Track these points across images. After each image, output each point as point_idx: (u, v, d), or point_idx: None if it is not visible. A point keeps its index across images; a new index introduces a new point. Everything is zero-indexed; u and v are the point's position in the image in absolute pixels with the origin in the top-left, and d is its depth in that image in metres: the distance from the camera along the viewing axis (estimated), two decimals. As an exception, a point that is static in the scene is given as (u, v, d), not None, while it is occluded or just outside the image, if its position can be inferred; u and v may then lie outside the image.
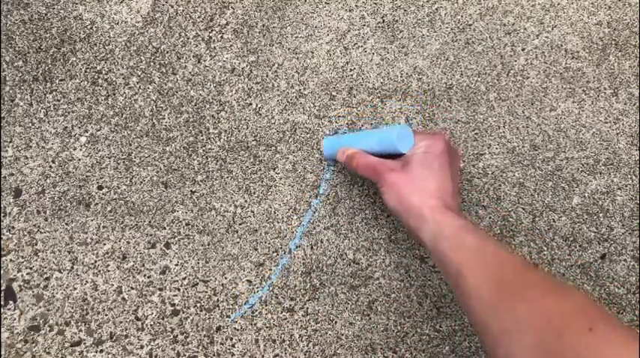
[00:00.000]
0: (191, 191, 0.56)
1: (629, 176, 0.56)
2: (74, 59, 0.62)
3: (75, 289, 0.51)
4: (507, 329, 0.34)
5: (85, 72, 0.61)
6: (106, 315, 0.50)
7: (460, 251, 0.39)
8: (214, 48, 0.63)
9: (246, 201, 0.55)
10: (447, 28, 0.63)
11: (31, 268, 0.52)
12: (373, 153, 0.49)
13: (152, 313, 0.51)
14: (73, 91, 0.60)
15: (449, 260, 0.39)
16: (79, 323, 0.50)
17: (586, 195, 0.55)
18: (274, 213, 0.55)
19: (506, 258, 0.38)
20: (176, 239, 0.54)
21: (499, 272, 0.37)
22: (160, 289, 0.52)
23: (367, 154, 0.49)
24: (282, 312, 0.51)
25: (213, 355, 0.49)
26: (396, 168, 0.46)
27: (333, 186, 0.56)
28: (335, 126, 0.58)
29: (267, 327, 0.50)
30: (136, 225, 0.54)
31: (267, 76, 0.61)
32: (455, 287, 0.39)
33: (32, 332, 0.50)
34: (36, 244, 0.53)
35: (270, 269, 0.53)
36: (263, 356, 0.49)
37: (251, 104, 0.60)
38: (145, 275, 0.52)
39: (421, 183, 0.43)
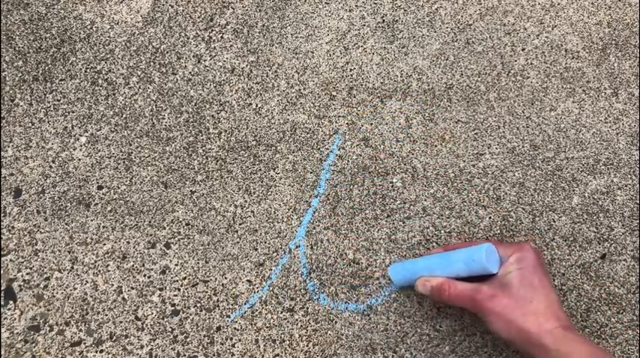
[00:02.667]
0: (191, 191, 0.56)
1: (629, 176, 0.56)
2: (74, 59, 0.62)
3: (75, 289, 0.51)
4: None
5: (85, 72, 0.61)
6: (106, 315, 0.50)
7: None
8: (214, 48, 0.63)
9: (246, 201, 0.55)
10: (447, 28, 0.63)
11: (31, 268, 0.52)
12: (459, 278, 0.45)
13: (152, 313, 0.51)
14: (73, 91, 0.60)
15: None
16: (79, 323, 0.50)
17: (586, 195, 0.55)
18: (274, 213, 0.55)
19: None
20: (176, 239, 0.54)
21: None
22: (160, 289, 0.52)
23: (456, 281, 0.45)
24: (282, 312, 0.51)
25: (213, 355, 0.49)
26: (496, 294, 0.42)
27: (333, 186, 0.56)
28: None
29: (267, 327, 0.50)
30: (136, 225, 0.54)
31: (267, 76, 0.61)
32: None
33: (32, 332, 0.50)
34: (36, 244, 0.53)
35: (270, 269, 0.53)
36: (263, 356, 0.49)
37: (251, 104, 0.60)
38: (145, 275, 0.52)
39: (529, 305, 0.40)
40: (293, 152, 0.57)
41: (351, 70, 0.61)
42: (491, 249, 0.44)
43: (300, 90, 0.60)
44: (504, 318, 0.41)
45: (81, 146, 0.57)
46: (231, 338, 0.50)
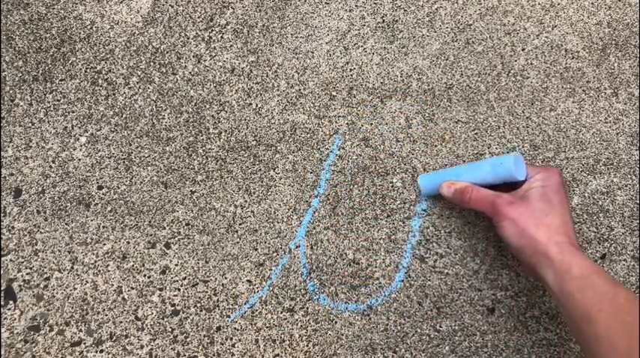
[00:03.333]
0: (191, 191, 0.56)
1: (629, 176, 0.56)
2: (74, 59, 0.62)
3: (75, 289, 0.51)
4: None
5: (85, 72, 0.61)
6: (106, 315, 0.50)
7: (590, 293, 0.37)
8: (214, 48, 0.63)
9: (246, 201, 0.55)
10: (447, 28, 0.63)
11: (31, 268, 0.52)
12: (484, 184, 0.47)
13: (152, 313, 0.51)
14: (73, 91, 0.60)
15: (575, 301, 0.37)
16: (79, 323, 0.50)
17: (586, 195, 0.55)
18: (274, 213, 0.55)
19: None
20: (176, 239, 0.54)
21: (634, 321, 0.35)
22: (160, 289, 0.52)
23: (479, 187, 0.47)
24: (282, 312, 0.51)
25: (213, 355, 0.49)
26: (515, 202, 0.43)
27: (333, 186, 0.56)
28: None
29: (267, 327, 0.50)
30: (136, 225, 0.54)
31: (267, 76, 0.61)
32: (578, 331, 0.38)
33: (32, 332, 0.50)
34: (36, 244, 0.53)
35: (270, 269, 0.53)
36: (263, 356, 0.49)
37: (251, 104, 0.60)
38: (145, 275, 0.52)
39: (544, 218, 0.42)
40: (293, 152, 0.57)
41: (351, 70, 0.61)
42: (520, 159, 0.45)
43: (300, 90, 0.60)
44: (518, 225, 0.42)
45: (81, 146, 0.57)
46: (231, 338, 0.50)
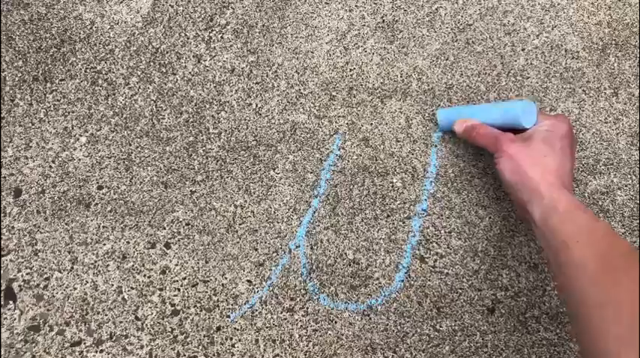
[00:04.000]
0: (191, 191, 0.56)
1: (629, 176, 0.56)
2: (74, 59, 0.62)
3: (75, 289, 0.51)
4: (606, 301, 0.34)
5: (85, 72, 0.61)
6: (106, 315, 0.50)
7: (570, 225, 0.39)
8: (214, 48, 0.63)
9: (246, 201, 0.55)
10: (447, 28, 0.63)
11: (31, 268, 0.52)
12: (494, 126, 0.49)
13: (152, 313, 0.51)
14: (73, 91, 0.60)
15: (556, 232, 0.39)
16: (79, 323, 0.50)
17: (586, 195, 0.55)
18: (274, 213, 0.55)
19: (616, 240, 0.38)
20: (176, 239, 0.54)
21: (607, 250, 0.37)
22: (160, 289, 0.52)
23: (487, 126, 0.49)
24: (282, 312, 0.51)
25: (213, 355, 0.49)
26: (516, 140, 0.46)
27: (333, 186, 0.56)
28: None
29: (267, 327, 0.50)
30: (136, 225, 0.54)
31: (267, 76, 0.61)
32: (554, 257, 0.39)
33: (32, 332, 0.50)
34: (36, 244, 0.53)
35: (270, 270, 0.53)
36: (263, 356, 0.49)
37: (251, 104, 0.60)
38: (145, 275, 0.52)
39: (542, 159, 0.43)
40: (293, 152, 0.57)
41: (351, 70, 0.61)
42: (531, 107, 0.47)
43: (300, 90, 0.60)
44: (514, 161, 0.44)
45: (81, 146, 0.57)
46: (231, 338, 0.50)
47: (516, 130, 0.48)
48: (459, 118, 0.53)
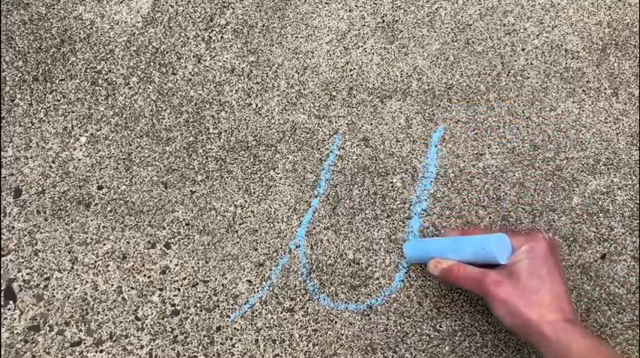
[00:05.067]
0: (191, 191, 0.56)
1: (629, 176, 0.56)
2: (74, 59, 0.62)
3: (75, 289, 0.51)
4: None
5: (85, 72, 0.61)
6: (106, 315, 0.50)
7: None
8: (214, 48, 0.63)
9: (246, 201, 0.55)
10: (447, 28, 0.63)
11: (31, 268, 0.52)
12: (468, 262, 0.46)
13: (152, 313, 0.51)
14: (73, 91, 0.60)
15: None
16: (79, 323, 0.50)
17: (586, 195, 0.55)
18: (274, 213, 0.55)
19: None
20: (176, 239, 0.54)
21: None
22: (160, 289, 0.52)
23: (466, 265, 0.45)
24: (282, 312, 0.51)
25: (213, 355, 0.49)
26: (503, 281, 0.42)
27: (333, 186, 0.56)
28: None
29: (267, 327, 0.50)
30: (136, 225, 0.54)
31: (267, 76, 0.61)
32: None
33: (32, 332, 0.50)
34: (36, 244, 0.53)
35: (270, 269, 0.53)
36: (263, 356, 0.49)
37: (251, 104, 0.60)
38: (145, 275, 0.52)
39: (534, 296, 0.41)
40: (293, 152, 0.57)
41: (351, 70, 0.61)
42: (503, 240, 0.44)
43: (300, 90, 0.60)
44: (508, 306, 0.41)
45: (81, 146, 0.57)
46: (231, 338, 0.50)
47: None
48: (426, 253, 0.49)
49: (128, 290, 0.52)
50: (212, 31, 0.64)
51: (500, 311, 0.42)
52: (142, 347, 0.49)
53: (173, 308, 0.51)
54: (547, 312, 0.40)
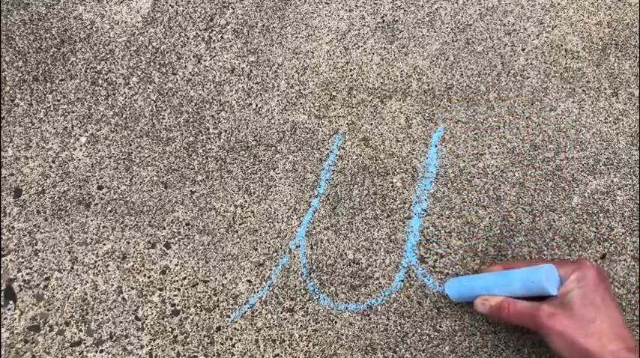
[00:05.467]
0: (191, 191, 0.56)
1: (629, 176, 0.56)
2: (74, 59, 0.62)
3: (75, 289, 0.51)
4: None
5: (85, 72, 0.61)
6: (106, 315, 0.50)
7: None
8: (214, 48, 0.63)
9: (246, 201, 0.55)
10: (447, 28, 0.63)
11: (31, 268, 0.52)
12: (517, 297, 0.44)
13: (152, 313, 0.51)
14: (73, 91, 0.60)
15: None
16: (79, 323, 0.50)
17: (586, 195, 0.55)
18: (274, 213, 0.55)
19: None
20: (176, 239, 0.54)
21: None
22: (160, 289, 0.52)
23: (515, 300, 0.44)
24: (282, 312, 0.51)
25: (213, 355, 0.49)
26: (557, 313, 0.41)
27: (333, 186, 0.56)
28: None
29: (267, 327, 0.50)
30: (136, 225, 0.54)
31: (267, 76, 0.61)
32: None
33: (32, 332, 0.50)
34: (36, 244, 0.53)
35: (270, 269, 0.53)
36: (263, 356, 0.49)
37: (251, 104, 0.60)
38: (145, 275, 0.52)
39: (591, 325, 0.40)
40: (293, 152, 0.57)
41: (351, 70, 0.61)
42: (551, 270, 0.43)
43: (300, 90, 0.60)
44: (566, 338, 0.40)
45: (81, 146, 0.57)
46: (231, 338, 0.50)
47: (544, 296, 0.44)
48: (471, 291, 0.48)
49: (128, 290, 0.52)
50: (212, 31, 0.64)
51: (557, 344, 0.41)
52: (142, 347, 0.49)
53: (173, 308, 0.51)
54: (607, 342, 0.39)
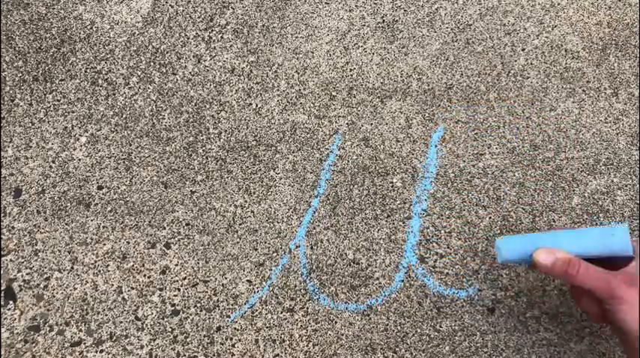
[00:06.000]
0: (191, 191, 0.56)
1: (629, 176, 0.56)
2: (74, 59, 0.62)
3: (75, 289, 0.51)
4: None
5: (85, 72, 0.61)
6: (106, 315, 0.50)
7: None
8: (214, 48, 0.63)
9: (246, 201, 0.55)
10: (447, 28, 0.63)
11: (31, 268, 0.52)
12: (586, 257, 0.40)
13: (152, 313, 0.51)
14: (73, 91, 0.60)
15: None
16: (79, 323, 0.50)
17: (586, 195, 0.55)
18: (274, 213, 0.55)
19: None
20: (176, 239, 0.54)
21: None
22: (160, 289, 0.52)
23: (587, 263, 0.40)
24: (282, 312, 0.51)
25: (213, 355, 0.49)
26: (634, 284, 0.38)
27: (333, 186, 0.56)
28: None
29: (267, 327, 0.50)
30: (136, 225, 0.54)
31: (267, 76, 0.61)
32: None
33: (32, 332, 0.50)
34: (36, 244, 0.53)
35: (270, 269, 0.53)
36: (263, 356, 0.49)
37: (251, 104, 0.60)
38: (145, 275, 0.52)
39: None
40: (293, 152, 0.57)
41: (351, 70, 0.61)
42: (627, 232, 0.39)
43: (300, 90, 0.60)
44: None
45: (81, 146, 0.57)
46: (231, 338, 0.50)
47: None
48: (534, 246, 0.42)
49: (128, 290, 0.52)
50: (212, 31, 0.64)
51: (629, 315, 0.38)
52: (142, 347, 0.49)
53: (173, 308, 0.51)
54: None
